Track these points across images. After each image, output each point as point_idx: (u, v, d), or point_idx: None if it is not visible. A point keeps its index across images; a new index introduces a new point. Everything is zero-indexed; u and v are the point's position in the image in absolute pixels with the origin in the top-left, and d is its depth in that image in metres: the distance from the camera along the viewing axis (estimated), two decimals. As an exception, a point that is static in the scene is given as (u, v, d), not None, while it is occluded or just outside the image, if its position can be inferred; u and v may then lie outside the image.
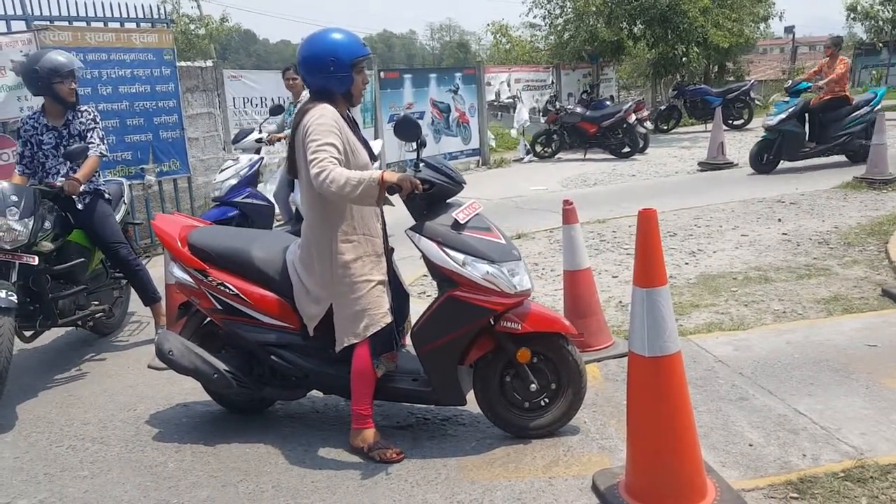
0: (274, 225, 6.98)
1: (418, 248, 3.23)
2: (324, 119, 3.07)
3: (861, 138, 10.16)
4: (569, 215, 4.21)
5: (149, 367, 4.45)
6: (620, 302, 5.21)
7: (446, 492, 2.97)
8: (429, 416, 3.68)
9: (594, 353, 4.20)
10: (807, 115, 10.28)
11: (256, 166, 6.53)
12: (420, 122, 13.77)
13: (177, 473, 3.27)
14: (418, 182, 3.04)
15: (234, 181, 6.34)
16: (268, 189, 7.25)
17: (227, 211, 6.30)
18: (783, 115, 10.14)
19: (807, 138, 10.33)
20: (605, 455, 3.17)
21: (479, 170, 14.11)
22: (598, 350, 4.23)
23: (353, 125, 3.31)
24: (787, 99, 10.45)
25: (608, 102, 15.02)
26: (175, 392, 4.14)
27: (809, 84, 10.49)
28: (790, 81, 10.93)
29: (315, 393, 3.76)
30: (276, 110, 6.88)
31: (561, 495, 2.89)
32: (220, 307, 3.45)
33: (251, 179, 6.46)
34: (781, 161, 10.47)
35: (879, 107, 10.17)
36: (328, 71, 3.14)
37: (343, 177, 2.92)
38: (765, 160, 10.48)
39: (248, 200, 6.37)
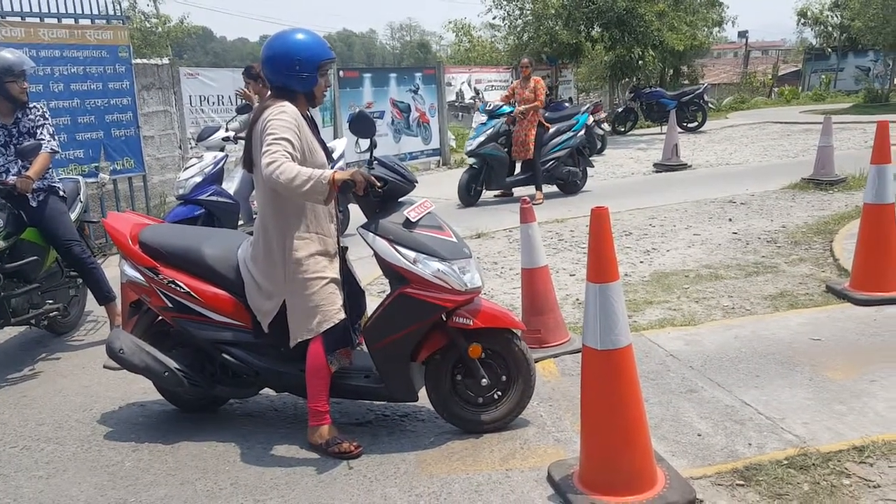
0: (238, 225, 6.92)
1: (370, 246, 3.27)
2: (284, 116, 3.09)
3: (568, 164, 9.69)
4: (526, 214, 4.28)
5: (104, 366, 4.38)
6: (577, 299, 5.31)
7: (405, 486, 3.01)
8: (388, 412, 3.72)
9: (551, 349, 4.28)
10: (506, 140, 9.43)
11: (221, 164, 6.46)
12: (380, 121, 13.67)
13: (134, 472, 3.25)
14: (372, 177, 3.08)
15: (198, 179, 6.26)
16: (229, 188, 7.20)
17: (193, 209, 6.22)
18: (481, 139, 9.30)
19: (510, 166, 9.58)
20: (561, 447, 3.24)
21: (439, 170, 14.17)
22: (555, 346, 4.31)
23: (312, 125, 3.33)
24: (485, 121, 9.54)
25: (567, 104, 15.17)
26: (131, 391, 4.10)
27: (512, 108, 9.43)
28: (493, 104, 9.63)
29: (273, 391, 3.76)
30: (243, 109, 6.84)
31: (517, 486, 2.95)
32: (170, 305, 3.44)
33: (216, 177, 6.39)
34: (485, 190, 9.65)
35: (583, 132, 9.73)
36: (293, 70, 3.16)
37: (294, 170, 2.93)
38: (472, 191, 9.52)
39: (214, 198, 6.30)
